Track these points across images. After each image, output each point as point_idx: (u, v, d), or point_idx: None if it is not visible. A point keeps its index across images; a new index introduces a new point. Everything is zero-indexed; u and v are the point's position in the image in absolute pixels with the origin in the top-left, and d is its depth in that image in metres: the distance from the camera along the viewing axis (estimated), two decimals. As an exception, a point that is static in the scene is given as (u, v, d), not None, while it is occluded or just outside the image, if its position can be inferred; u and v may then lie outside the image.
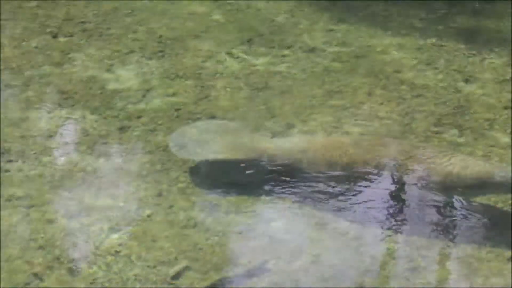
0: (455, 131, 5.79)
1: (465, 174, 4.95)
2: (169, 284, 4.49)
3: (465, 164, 4.98)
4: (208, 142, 5.38)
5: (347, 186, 5.16)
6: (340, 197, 5.11)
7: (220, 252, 4.71)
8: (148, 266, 4.60)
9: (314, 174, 5.18)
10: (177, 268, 4.60)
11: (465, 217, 4.97)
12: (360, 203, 5.07)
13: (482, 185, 4.95)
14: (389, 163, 5.06)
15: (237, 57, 6.71)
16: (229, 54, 6.74)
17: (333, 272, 4.57)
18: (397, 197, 5.09)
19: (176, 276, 4.55)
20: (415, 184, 5.01)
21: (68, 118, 5.86)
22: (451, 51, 6.85)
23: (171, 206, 5.03)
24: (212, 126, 5.59)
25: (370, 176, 5.08)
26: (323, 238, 4.82)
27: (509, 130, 5.78)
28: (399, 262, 4.66)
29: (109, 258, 4.65)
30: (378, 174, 5.07)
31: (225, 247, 4.74)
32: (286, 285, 4.48)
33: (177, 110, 5.95)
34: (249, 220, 4.95)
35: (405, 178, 5.04)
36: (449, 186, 4.96)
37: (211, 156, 5.29)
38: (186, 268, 4.60)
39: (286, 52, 6.78)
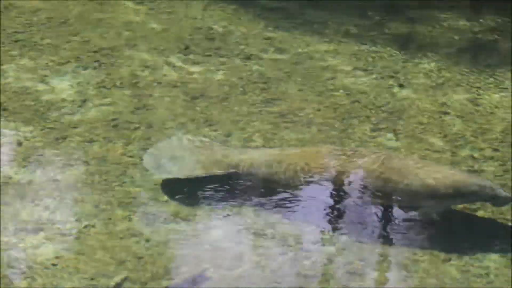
0: (390, 136, 5.89)
1: (441, 185, 5.00)
2: (109, 296, 4.48)
3: (440, 175, 5.04)
4: (182, 158, 5.37)
5: (288, 193, 5.20)
6: (281, 204, 5.15)
7: (160, 261, 4.69)
8: (86, 278, 4.56)
9: (254, 182, 5.22)
10: (116, 279, 4.57)
11: (402, 221, 5.05)
12: (299, 209, 5.12)
13: (456, 195, 5.02)
14: (363, 172, 5.10)
15: (174, 66, 6.70)
16: (166, 62, 6.73)
17: (273, 277, 4.60)
18: (338, 203, 5.15)
19: (116, 287, 4.52)
20: (360, 191, 5.09)
21: (2, 130, 5.79)
22: (385, 56, 6.97)
23: (109, 218, 5.00)
24: (184, 143, 5.54)
25: (315, 183, 5.14)
26: (263, 244, 4.84)
27: (442, 134, 5.92)
28: (338, 266, 4.72)
29: (46, 271, 4.60)
30: (328, 182, 5.14)
31: (165, 257, 4.74)
32: (227, 293, 4.52)
33: (114, 120, 5.92)
34: (189, 229, 4.94)
35: (347, 186, 5.12)
36: (424, 197, 5.02)
37: (186, 173, 5.27)
38: (126, 279, 4.57)
39: (223, 60, 6.81)
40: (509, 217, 5.07)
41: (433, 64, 6.83)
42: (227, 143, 5.66)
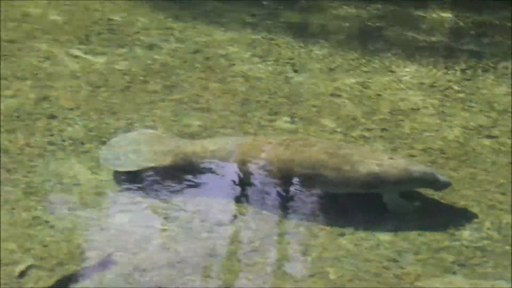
0: (287, 119, 6.09)
1: (388, 172, 5.13)
2: (15, 284, 4.48)
3: (387, 162, 5.17)
4: (138, 152, 5.42)
5: (194, 177, 5.33)
6: (185, 187, 5.27)
7: (66, 248, 4.74)
8: (-9, 267, 4.58)
9: (159, 167, 5.33)
10: (21, 267, 4.59)
11: (301, 199, 5.22)
12: (205, 192, 5.25)
13: (401, 182, 5.15)
14: (312, 161, 5.18)
15: (76, 57, 6.72)
16: (68, 54, 6.74)
17: (179, 258, 4.70)
18: (241, 184, 5.30)
19: (22, 275, 4.54)
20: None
21: None
22: (281, 44, 7.15)
23: (13, 208, 5.01)
24: (139, 136, 5.59)
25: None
26: (168, 227, 4.95)
27: (335, 116, 6.15)
28: (241, 245, 4.87)
29: (-50, 262, 4.58)
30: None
31: (70, 243, 4.78)
32: (133, 275, 4.58)
33: (16, 111, 5.91)
34: (95, 215, 5.01)
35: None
36: (372, 185, 5.14)
37: (142, 165, 5.33)
38: (31, 266, 4.59)
39: (124, 50, 6.87)
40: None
41: (325, 50, 7.04)
42: (175, 135, 5.72)
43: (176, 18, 7.43)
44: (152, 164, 5.34)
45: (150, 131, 5.69)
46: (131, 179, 5.28)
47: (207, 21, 7.44)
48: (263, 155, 5.25)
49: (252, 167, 5.25)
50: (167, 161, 5.36)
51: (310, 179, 5.17)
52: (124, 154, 5.40)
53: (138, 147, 5.46)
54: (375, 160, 5.16)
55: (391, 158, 5.24)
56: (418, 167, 5.21)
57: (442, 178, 5.21)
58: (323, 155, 5.16)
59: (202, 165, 5.34)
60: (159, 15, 7.50)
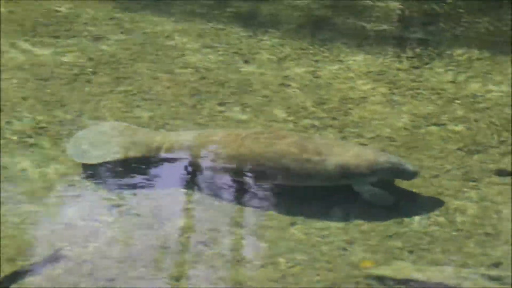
0: (237, 109, 6.10)
1: (358, 163, 5.18)
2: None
3: (357, 153, 5.22)
4: (106, 144, 5.38)
5: (147, 169, 5.34)
6: (137, 179, 5.28)
7: (14, 243, 4.70)
8: None
9: (108, 159, 5.31)
10: (-34, 264, 4.53)
11: (252, 191, 5.26)
12: (158, 184, 5.26)
13: (371, 173, 5.19)
14: (283, 154, 5.19)
15: (22, 49, 6.63)
16: (13, 46, 6.65)
17: (129, 252, 4.70)
18: (196, 176, 5.32)
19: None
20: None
21: None
22: (230, 34, 7.13)
23: (-45, 204, 4.96)
24: (107, 128, 5.54)
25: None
26: (118, 220, 4.94)
27: (285, 106, 6.19)
28: (192, 236, 4.88)
29: None
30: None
31: (18, 238, 4.74)
32: (82, 269, 4.57)
33: (-39, 105, 5.86)
34: (43, 209, 4.98)
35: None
36: (344, 175, 5.17)
37: (111, 158, 5.29)
38: (-24, 263, 4.54)
39: (71, 41, 6.80)
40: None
41: (275, 40, 7.04)
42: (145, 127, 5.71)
43: (124, 9, 7.37)
44: (121, 156, 5.32)
45: (119, 123, 5.66)
46: (82, 171, 5.25)
47: (155, 12, 7.38)
48: (235, 147, 5.25)
49: (220, 160, 5.26)
50: (138, 152, 5.35)
51: (279, 172, 5.18)
52: (92, 147, 5.37)
53: (106, 139, 5.43)
54: (345, 151, 5.21)
55: (361, 149, 5.31)
56: (386, 157, 5.27)
57: (410, 167, 5.27)
58: (293, 147, 5.19)
59: (168, 157, 5.34)
60: (106, 6, 7.42)
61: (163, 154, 5.35)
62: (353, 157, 5.19)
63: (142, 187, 5.23)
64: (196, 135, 5.44)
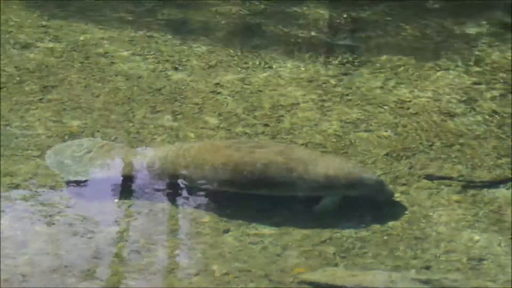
0: (169, 117, 6.09)
1: (339, 176, 5.18)
2: None
3: (338, 166, 5.23)
4: (87, 160, 5.31)
5: (77, 178, 5.28)
6: (69, 188, 5.22)
7: None
8: None
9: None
10: None
11: (185, 198, 5.27)
12: (89, 192, 5.22)
13: (351, 186, 5.21)
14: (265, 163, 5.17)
15: None
16: None
17: (61, 262, 4.65)
18: (129, 184, 5.30)
19: None
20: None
21: None
22: (160, 41, 7.14)
23: None
24: (86, 144, 5.46)
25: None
26: (49, 230, 4.88)
27: (217, 113, 6.20)
28: (126, 245, 4.85)
29: None
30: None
31: None
32: (13, 281, 4.49)
33: None
34: (-30, 222, 4.87)
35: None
36: (323, 187, 5.17)
37: (95, 175, 5.24)
38: None
39: (-3, 50, 6.74)
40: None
41: (204, 48, 7.07)
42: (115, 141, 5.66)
43: (51, 16, 7.29)
44: (103, 175, 5.27)
45: (98, 139, 5.60)
46: (10, 182, 5.14)
47: (84, 19, 7.33)
48: (214, 158, 5.21)
49: (203, 171, 5.21)
50: (123, 171, 5.31)
51: (259, 181, 5.17)
52: (73, 162, 5.31)
53: (87, 154, 5.36)
54: (328, 163, 5.24)
55: (342, 162, 5.36)
56: (369, 174, 5.34)
57: (388, 188, 5.33)
58: (275, 156, 5.19)
59: (151, 174, 5.30)
60: (33, 13, 7.33)
61: (144, 171, 5.31)
62: (336, 169, 5.22)
63: (74, 195, 5.17)
64: (176, 149, 5.39)
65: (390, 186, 5.39)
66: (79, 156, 5.37)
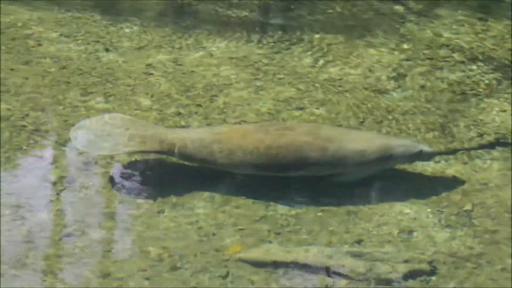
0: (101, 99, 6.02)
1: (371, 150, 5.16)
2: None
3: (367, 140, 5.21)
4: (113, 136, 5.18)
5: (6, 162, 5.16)
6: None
7: None
8: None
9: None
10: None
11: (121, 179, 5.24)
12: (20, 177, 5.12)
13: (385, 158, 5.19)
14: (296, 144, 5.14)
15: None
16: None
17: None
18: (61, 170, 5.23)
19: None
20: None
21: None
22: (89, 22, 7.04)
23: None
24: (114, 121, 5.32)
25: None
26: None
27: (149, 94, 6.15)
28: (59, 229, 4.79)
29: None
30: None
31: None
32: None
33: None
34: None
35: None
36: (356, 163, 5.15)
37: (120, 150, 5.13)
38: None
39: None
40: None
41: (135, 28, 7.00)
42: None
43: (-19, -1, 7.12)
44: (129, 150, 5.17)
45: (121, 115, 5.50)
46: None
47: (9, 0, 7.16)
48: (245, 141, 5.16)
49: (238, 154, 5.15)
50: (151, 147, 5.21)
51: (296, 162, 5.13)
52: (99, 138, 5.20)
53: (114, 131, 5.25)
54: (359, 138, 5.25)
55: (374, 135, 5.37)
56: (405, 142, 5.32)
57: (429, 149, 5.33)
58: (306, 137, 5.15)
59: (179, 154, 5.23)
60: (-46, -6, 7.15)
61: (176, 153, 5.22)
62: (368, 143, 5.20)
63: (5, 180, 5.08)
64: (204, 132, 5.32)
65: (428, 146, 5.46)
66: (106, 132, 5.26)
